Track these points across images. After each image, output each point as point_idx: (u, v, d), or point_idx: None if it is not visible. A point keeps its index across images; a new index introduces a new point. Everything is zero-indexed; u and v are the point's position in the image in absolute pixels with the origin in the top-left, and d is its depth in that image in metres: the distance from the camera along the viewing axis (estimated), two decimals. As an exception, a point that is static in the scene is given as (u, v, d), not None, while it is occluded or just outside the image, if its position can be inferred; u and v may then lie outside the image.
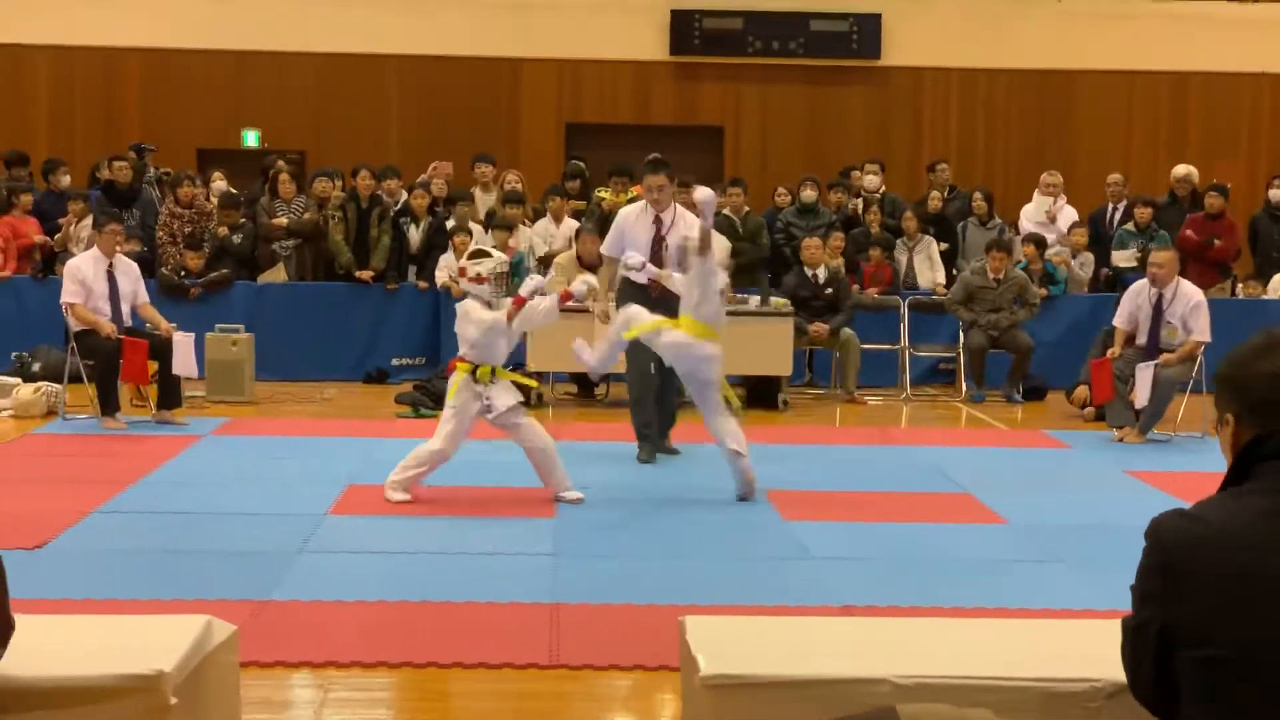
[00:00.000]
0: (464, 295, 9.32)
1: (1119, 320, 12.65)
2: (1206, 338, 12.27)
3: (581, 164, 17.36)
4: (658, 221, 10.66)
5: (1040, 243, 15.56)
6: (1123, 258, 15.67)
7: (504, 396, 9.20)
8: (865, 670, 4.16)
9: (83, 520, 8.52)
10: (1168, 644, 2.92)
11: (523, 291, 9.17)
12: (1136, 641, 3.00)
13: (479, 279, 9.17)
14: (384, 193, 15.71)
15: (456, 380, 9.16)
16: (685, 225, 10.36)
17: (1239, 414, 3.03)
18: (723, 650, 4.31)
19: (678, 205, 10.77)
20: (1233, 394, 3.04)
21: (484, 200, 16.27)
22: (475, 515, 8.91)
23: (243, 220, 15.64)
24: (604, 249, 11.34)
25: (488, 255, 9.36)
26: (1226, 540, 2.87)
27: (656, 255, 10.49)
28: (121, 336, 12.04)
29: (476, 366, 9.12)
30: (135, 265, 12.73)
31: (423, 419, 12.62)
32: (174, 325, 12.49)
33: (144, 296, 12.61)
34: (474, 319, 9.09)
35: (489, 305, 9.16)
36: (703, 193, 9.49)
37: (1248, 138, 20.61)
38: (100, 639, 4.44)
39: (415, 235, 15.63)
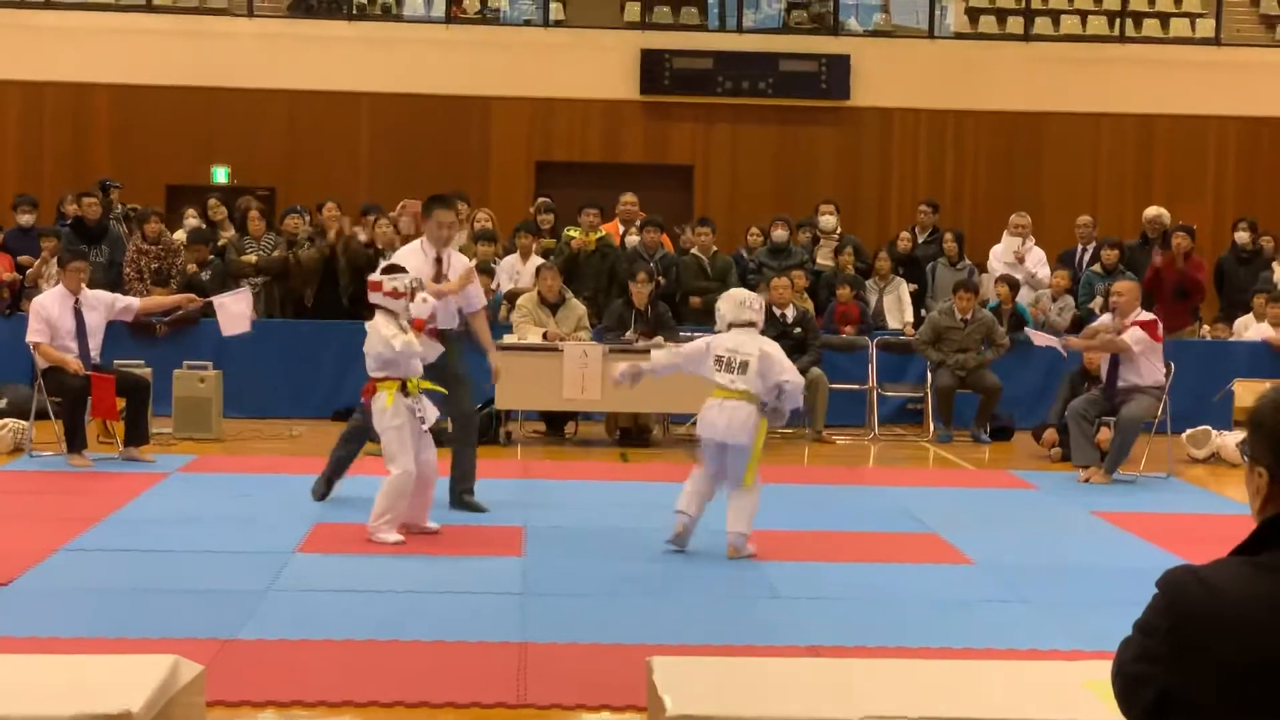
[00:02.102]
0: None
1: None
2: (1136, 334, 12.27)
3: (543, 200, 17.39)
4: (439, 261, 10.16)
5: (1013, 284, 15.64)
6: (1100, 306, 15.75)
7: (431, 410, 9.23)
8: (831, 711, 4.18)
9: (49, 558, 8.48)
10: (1163, 707, 2.87)
11: (418, 314, 9.11)
12: (1130, 687, 2.94)
13: (396, 294, 9.08)
14: (361, 228, 15.72)
15: (390, 398, 8.99)
16: (461, 269, 10.17)
17: (1273, 476, 2.85)
18: (689, 691, 4.33)
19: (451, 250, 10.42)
20: (1270, 454, 2.85)
21: (456, 238, 16.28)
22: (443, 554, 8.89)
23: (211, 257, 15.64)
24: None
25: (402, 270, 9.32)
26: (1242, 622, 2.73)
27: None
28: (89, 373, 12.00)
29: (404, 381, 9.07)
30: (105, 293, 12.62)
31: (391, 457, 12.59)
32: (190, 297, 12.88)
33: (129, 302, 12.54)
34: (385, 336, 8.97)
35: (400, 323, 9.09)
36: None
37: (1213, 180, 20.76)
38: (67, 678, 4.43)
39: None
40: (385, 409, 9.03)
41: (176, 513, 10.01)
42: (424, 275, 9.75)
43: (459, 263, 10.33)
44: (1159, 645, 2.84)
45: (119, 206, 16.85)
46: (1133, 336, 12.24)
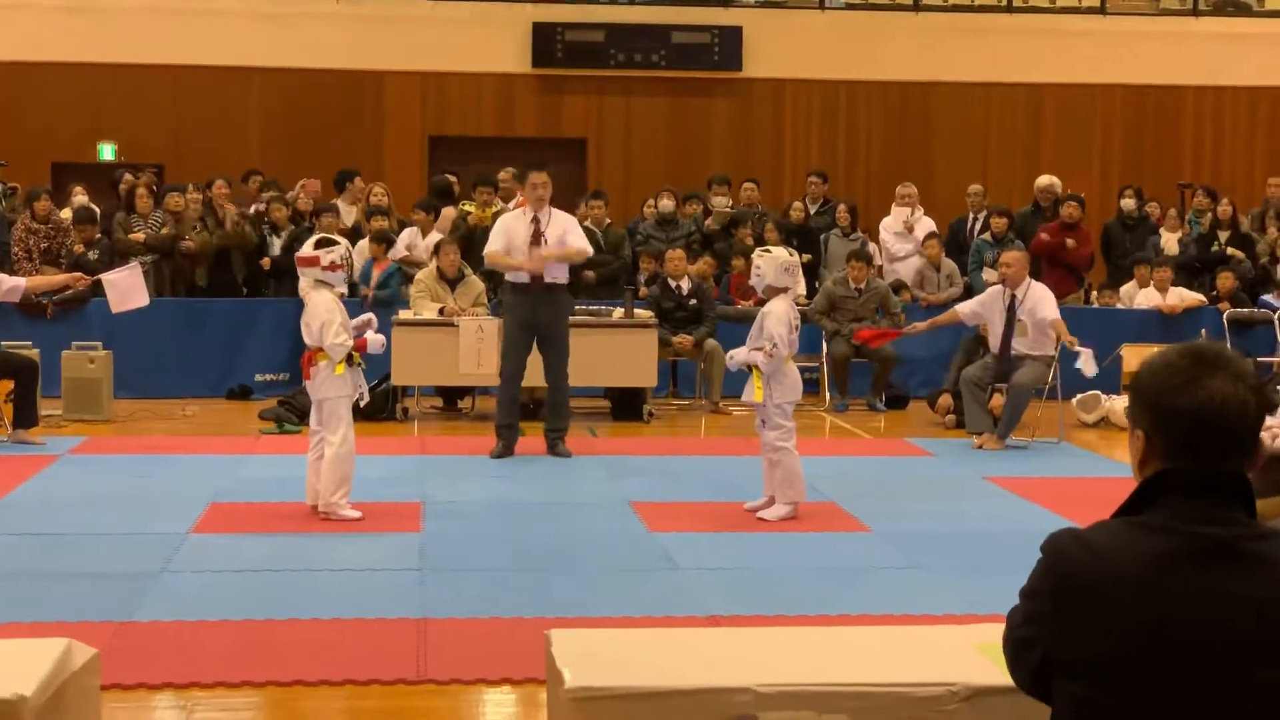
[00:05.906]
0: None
1: (960, 307, 13.13)
2: (1055, 314, 12.56)
3: (453, 178, 17.26)
4: (535, 220, 11.36)
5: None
6: (993, 276, 15.88)
7: (363, 382, 9.21)
8: (728, 680, 4.21)
9: (-63, 543, 8.36)
10: (1048, 665, 2.92)
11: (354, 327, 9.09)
12: (1018, 649, 3.00)
13: (334, 266, 9.03)
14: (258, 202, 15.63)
15: (340, 368, 8.93)
16: (560, 222, 11.45)
17: (1151, 439, 2.92)
18: (588, 663, 4.34)
19: (551, 207, 11.55)
20: (1149, 418, 2.91)
21: (348, 213, 16.20)
22: (340, 531, 8.85)
23: (99, 236, 15.41)
24: (488, 249, 11.76)
25: (335, 242, 9.28)
26: (1121, 582, 2.81)
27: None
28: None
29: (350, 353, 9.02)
30: None
31: (287, 434, 12.52)
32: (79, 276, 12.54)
33: (15, 283, 12.28)
34: (324, 318, 8.90)
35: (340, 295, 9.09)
36: None
37: (1100, 148, 21.02)
38: (-44, 665, 4.36)
39: (276, 246, 15.52)
40: (334, 378, 8.96)
41: (68, 495, 9.88)
42: (523, 236, 11.27)
43: (558, 221, 11.45)
44: (1042, 607, 2.90)
45: (1, 185, 16.55)
46: (1052, 314, 12.52)
